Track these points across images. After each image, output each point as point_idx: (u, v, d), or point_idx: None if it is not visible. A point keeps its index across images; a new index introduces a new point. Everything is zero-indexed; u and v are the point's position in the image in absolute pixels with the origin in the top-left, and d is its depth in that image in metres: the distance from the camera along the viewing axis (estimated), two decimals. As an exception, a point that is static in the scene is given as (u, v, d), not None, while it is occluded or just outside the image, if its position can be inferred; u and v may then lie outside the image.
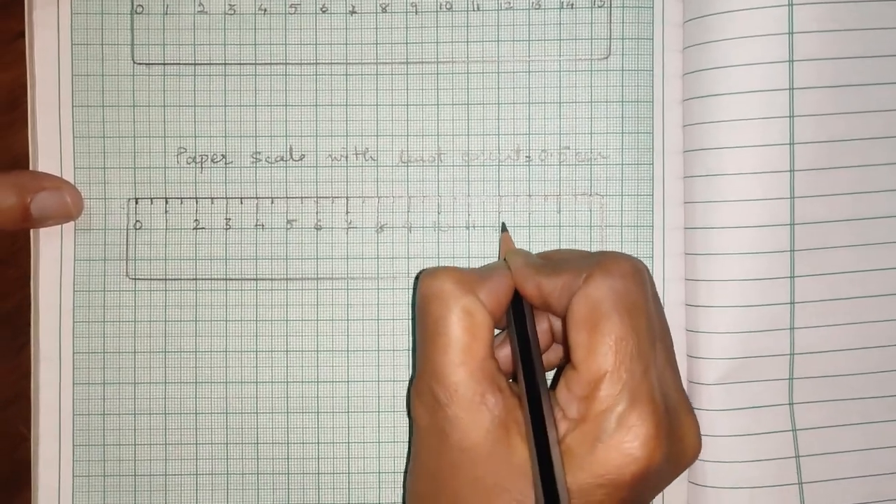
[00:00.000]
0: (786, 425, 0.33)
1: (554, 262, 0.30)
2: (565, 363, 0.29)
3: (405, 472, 0.33)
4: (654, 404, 0.26)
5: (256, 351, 0.34)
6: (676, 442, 0.28)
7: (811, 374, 0.33)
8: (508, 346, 0.30)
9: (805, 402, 0.33)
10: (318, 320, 0.34)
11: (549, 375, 0.32)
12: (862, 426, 0.33)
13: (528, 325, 0.29)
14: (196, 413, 0.34)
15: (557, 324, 0.31)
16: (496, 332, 0.30)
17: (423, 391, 0.28)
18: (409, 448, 0.33)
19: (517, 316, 0.30)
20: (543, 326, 0.31)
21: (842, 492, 0.33)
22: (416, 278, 0.33)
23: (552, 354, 0.32)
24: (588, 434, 0.26)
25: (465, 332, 0.28)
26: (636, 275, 0.28)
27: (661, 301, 0.33)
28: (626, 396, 0.26)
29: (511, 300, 0.30)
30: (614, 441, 0.26)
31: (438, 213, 0.34)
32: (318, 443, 0.34)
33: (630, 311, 0.27)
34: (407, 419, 0.34)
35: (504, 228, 0.34)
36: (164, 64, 0.34)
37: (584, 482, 0.26)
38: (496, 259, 0.34)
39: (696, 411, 0.33)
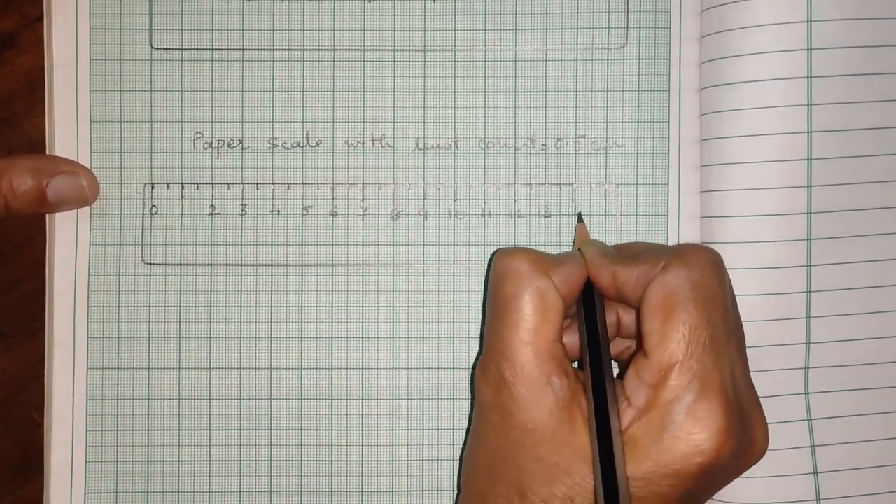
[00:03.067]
0: (801, 415, 0.32)
1: (630, 252, 0.30)
2: (633, 353, 0.30)
3: (463, 445, 0.33)
4: (724, 396, 0.26)
5: (271, 337, 0.34)
6: (744, 437, 0.27)
7: (827, 364, 0.32)
8: (575, 333, 0.30)
9: (821, 392, 0.33)
10: (332, 307, 0.34)
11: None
12: (878, 416, 0.33)
13: (598, 315, 0.29)
14: (210, 399, 0.34)
15: (624, 317, 0.31)
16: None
17: (489, 368, 0.28)
18: (469, 423, 0.33)
19: (588, 304, 0.29)
20: (611, 319, 0.31)
21: (857, 481, 0.32)
22: (491, 256, 0.33)
23: (613, 348, 0.32)
24: (655, 422, 0.26)
25: (537, 312, 0.28)
26: (715, 266, 0.28)
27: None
28: (696, 387, 0.26)
29: (583, 288, 0.30)
30: (682, 431, 0.26)
31: (454, 200, 0.34)
32: (331, 430, 0.34)
33: (706, 302, 0.27)
34: (419, 407, 0.34)
35: (580, 219, 0.34)
36: (182, 49, 0.34)
37: (648, 470, 0.26)
38: (526, 246, 0.34)
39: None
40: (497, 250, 0.30)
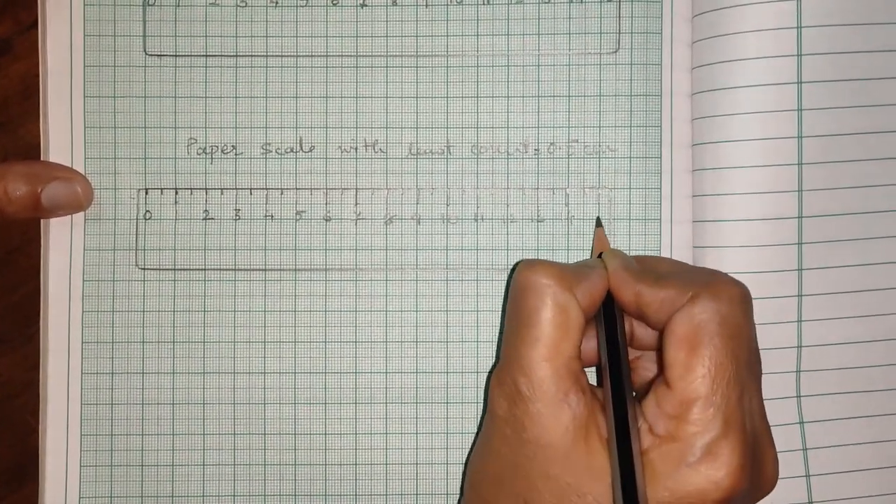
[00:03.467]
0: (793, 418, 0.33)
1: (655, 272, 0.29)
2: (652, 378, 0.29)
3: (469, 451, 0.33)
4: (744, 435, 0.26)
5: (264, 342, 0.34)
6: (757, 472, 0.27)
7: (819, 367, 0.33)
8: (591, 339, 0.30)
9: (812, 395, 0.33)
10: (326, 311, 0.34)
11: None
12: (869, 419, 0.33)
13: (619, 332, 0.29)
14: (204, 403, 0.34)
15: (638, 330, 0.30)
16: None
17: (505, 381, 0.28)
18: (479, 431, 0.33)
19: (608, 320, 0.29)
20: (626, 328, 0.30)
21: (849, 484, 0.33)
22: (513, 268, 0.33)
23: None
24: (673, 454, 0.26)
25: (558, 328, 0.28)
26: (743, 301, 0.28)
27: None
28: (718, 423, 0.26)
29: (603, 302, 0.29)
30: (702, 466, 0.26)
31: (447, 205, 0.34)
32: (325, 434, 0.34)
33: (733, 337, 0.27)
34: (413, 411, 0.34)
35: (599, 223, 0.33)
36: (176, 55, 0.34)
37: (661, 499, 0.26)
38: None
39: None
40: (520, 261, 0.30)
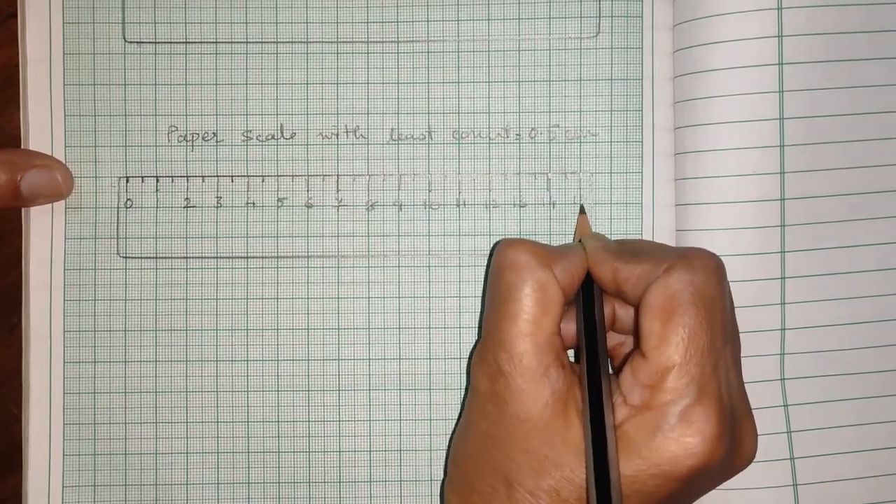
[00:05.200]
0: (777, 401, 0.32)
1: (632, 249, 0.30)
2: (629, 352, 0.30)
3: (452, 431, 0.33)
4: (720, 403, 0.26)
5: (247, 329, 0.34)
6: (735, 444, 0.27)
7: (802, 350, 0.32)
8: (571, 321, 0.30)
9: (796, 378, 0.33)
10: (308, 298, 0.34)
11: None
12: (853, 401, 0.33)
13: (597, 309, 0.29)
14: (187, 391, 0.34)
15: (619, 312, 0.31)
16: None
17: (486, 357, 0.28)
18: (462, 408, 0.33)
19: (587, 298, 0.30)
20: (606, 311, 0.31)
21: (834, 467, 0.32)
22: (493, 247, 0.33)
23: (608, 341, 0.32)
24: (648, 422, 0.26)
25: (537, 304, 0.28)
26: (717, 271, 0.28)
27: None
28: (693, 390, 0.26)
29: (582, 282, 0.30)
30: (675, 433, 0.26)
31: (429, 190, 0.34)
32: (308, 421, 0.34)
33: (707, 307, 0.27)
34: (396, 397, 0.34)
35: (582, 210, 0.34)
36: (156, 42, 0.34)
37: (637, 469, 0.26)
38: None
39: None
40: (500, 240, 0.30)
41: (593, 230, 0.34)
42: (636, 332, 0.28)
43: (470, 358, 0.33)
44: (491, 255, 0.33)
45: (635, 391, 0.27)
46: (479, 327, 0.34)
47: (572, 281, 0.29)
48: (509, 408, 0.27)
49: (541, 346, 0.27)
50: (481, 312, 0.34)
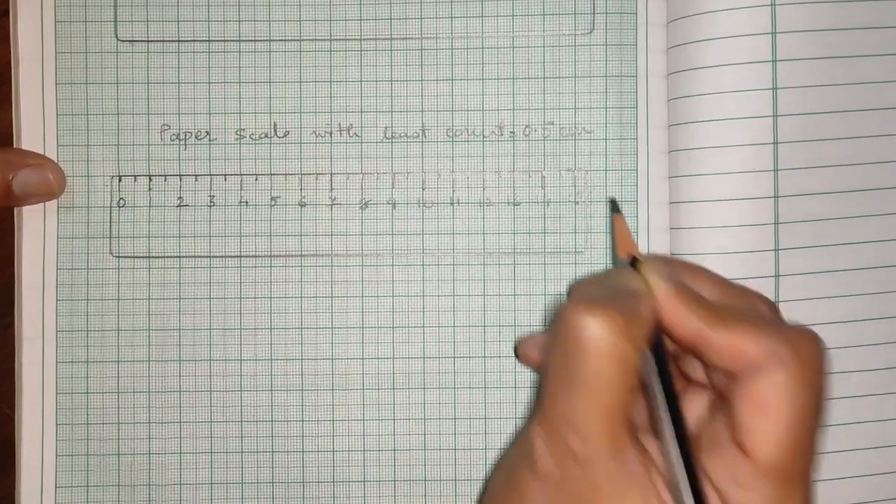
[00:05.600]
0: (772, 399, 0.32)
1: (714, 305, 0.26)
2: (702, 409, 0.27)
3: (486, 479, 0.32)
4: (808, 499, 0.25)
5: (240, 328, 0.34)
6: None
7: (797, 348, 0.32)
8: None
9: (791, 376, 0.32)
10: (301, 297, 0.34)
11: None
12: (847, 400, 0.32)
13: (669, 382, 0.26)
14: (180, 391, 0.34)
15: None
16: None
17: (555, 436, 0.25)
18: (503, 468, 0.28)
19: (660, 364, 0.26)
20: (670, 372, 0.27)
21: (831, 465, 0.32)
22: (559, 305, 0.26)
23: None
24: None
25: (619, 385, 0.24)
26: (826, 363, 0.25)
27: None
28: (799, 500, 0.24)
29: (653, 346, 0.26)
30: None
31: (423, 189, 0.34)
32: (302, 420, 0.34)
33: (820, 408, 0.25)
34: (389, 397, 0.34)
35: (615, 208, 0.31)
36: (148, 41, 0.34)
37: None
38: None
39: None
40: (572, 298, 0.25)
41: (584, 229, 0.33)
42: (717, 404, 0.26)
43: (524, 427, 0.28)
44: (556, 314, 0.26)
45: (731, 489, 0.24)
46: (537, 393, 0.29)
47: (646, 341, 0.25)
48: (575, 490, 0.24)
49: (616, 427, 0.24)
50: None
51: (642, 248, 0.33)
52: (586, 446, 0.24)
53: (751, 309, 0.26)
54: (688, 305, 0.25)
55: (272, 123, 0.34)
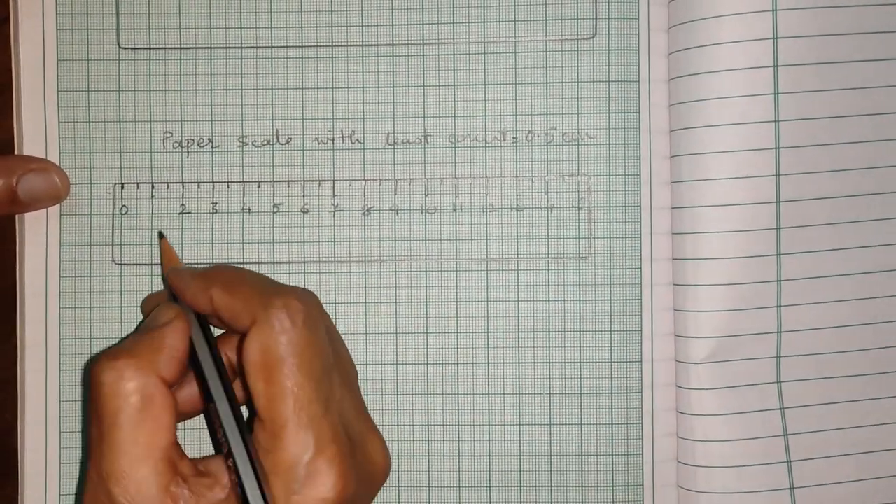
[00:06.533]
0: (773, 403, 0.32)
1: (224, 277, 0.29)
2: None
3: None
4: (338, 444, 0.26)
5: (244, 335, 0.34)
6: (366, 466, 0.28)
7: (798, 353, 0.32)
8: (189, 385, 0.30)
9: (792, 381, 0.33)
10: (305, 304, 0.34)
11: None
12: (850, 404, 0.33)
13: (222, 375, 0.28)
14: (184, 398, 0.34)
15: (231, 355, 0.30)
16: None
17: (97, 497, 0.26)
18: None
19: (213, 361, 0.29)
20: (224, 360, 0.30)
21: (830, 469, 0.32)
22: (87, 364, 0.33)
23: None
24: (280, 486, 0.26)
25: (147, 422, 0.26)
26: (303, 314, 0.27)
27: (640, 282, 0.33)
28: (311, 444, 0.26)
29: (190, 350, 0.29)
30: (306, 489, 0.26)
31: (425, 195, 0.34)
32: (306, 427, 0.34)
33: (304, 356, 0.27)
34: (392, 402, 0.34)
35: (161, 235, 0.33)
36: (150, 48, 0.34)
37: None
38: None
39: (683, 390, 0.33)
40: (91, 360, 0.29)
41: (587, 234, 0.33)
42: (245, 385, 0.28)
43: (78, 497, 0.32)
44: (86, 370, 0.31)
45: (265, 457, 0.26)
46: (83, 459, 0.32)
47: (180, 366, 0.28)
48: None
49: (158, 465, 0.26)
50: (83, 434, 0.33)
51: (645, 251, 0.34)
52: (129, 495, 0.26)
53: (253, 281, 0.29)
54: (197, 280, 0.29)
55: (275, 130, 0.34)
